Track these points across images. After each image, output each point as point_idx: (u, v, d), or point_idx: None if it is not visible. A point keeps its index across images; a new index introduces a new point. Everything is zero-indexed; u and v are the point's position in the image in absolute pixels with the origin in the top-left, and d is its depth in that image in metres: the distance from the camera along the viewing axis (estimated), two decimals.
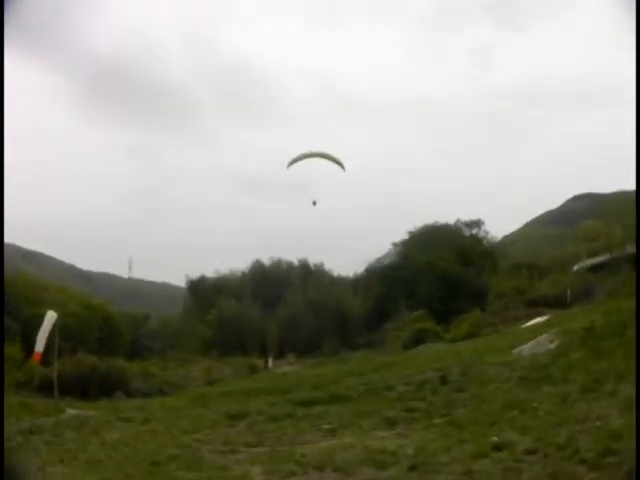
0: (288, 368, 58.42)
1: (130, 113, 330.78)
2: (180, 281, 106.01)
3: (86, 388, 38.02)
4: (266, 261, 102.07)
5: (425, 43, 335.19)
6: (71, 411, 27.45)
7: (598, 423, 12.71)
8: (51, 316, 31.05)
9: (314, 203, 32.04)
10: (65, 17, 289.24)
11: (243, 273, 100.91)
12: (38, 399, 32.15)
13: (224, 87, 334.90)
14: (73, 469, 14.57)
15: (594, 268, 61.27)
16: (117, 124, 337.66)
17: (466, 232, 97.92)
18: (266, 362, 63.94)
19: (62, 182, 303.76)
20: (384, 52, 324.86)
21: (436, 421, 17.02)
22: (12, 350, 42.46)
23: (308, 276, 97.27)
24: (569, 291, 57.18)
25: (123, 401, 36.55)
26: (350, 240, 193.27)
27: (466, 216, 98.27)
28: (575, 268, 67.80)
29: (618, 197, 75.04)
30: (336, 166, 31.40)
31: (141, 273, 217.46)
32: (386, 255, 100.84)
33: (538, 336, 30.38)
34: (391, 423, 17.71)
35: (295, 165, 30.72)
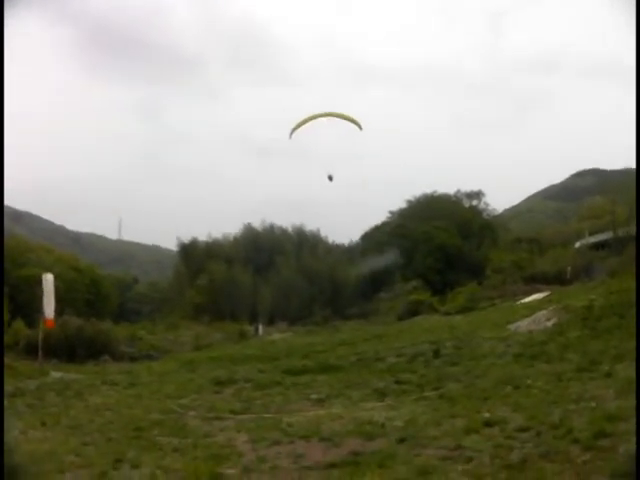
0: (278, 336, 58.45)
1: (136, 72, 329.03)
2: (171, 244, 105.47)
3: (72, 351, 38.04)
4: (258, 226, 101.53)
5: (440, 9, 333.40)
6: (55, 374, 27.56)
7: (593, 404, 12.72)
8: (50, 279, 31.03)
9: (330, 178, 30.34)
10: None
11: (235, 238, 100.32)
12: (23, 362, 32.19)
13: (232, 48, 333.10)
14: (55, 433, 14.59)
15: (596, 246, 61.50)
16: (121, 83, 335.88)
17: (466, 203, 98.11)
18: (256, 329, 63.95)
19: (57, 141, 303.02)
20: (398, 16, 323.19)
21: (427, 394, 17.05)
22: None
23: (303, 243, 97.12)
24: (569, 268, 57.31)
25: (109, 365, 36.63)
26: (351, 209, 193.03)
27: (469, 187, 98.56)
28: (577, 245, 68.03)
29: (625, 174, 74.82)
30: (344, 129, 29.67)
31: (131, 235, 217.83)
32: (383, 224, 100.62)
33: (536, 313, 30.57)
34: (381, 395, 17.72)
35: (303, 128, 29.15)
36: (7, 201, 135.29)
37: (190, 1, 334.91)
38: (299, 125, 27.83)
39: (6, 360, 31.40)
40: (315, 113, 28.19)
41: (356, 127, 28.63)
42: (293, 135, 28.19)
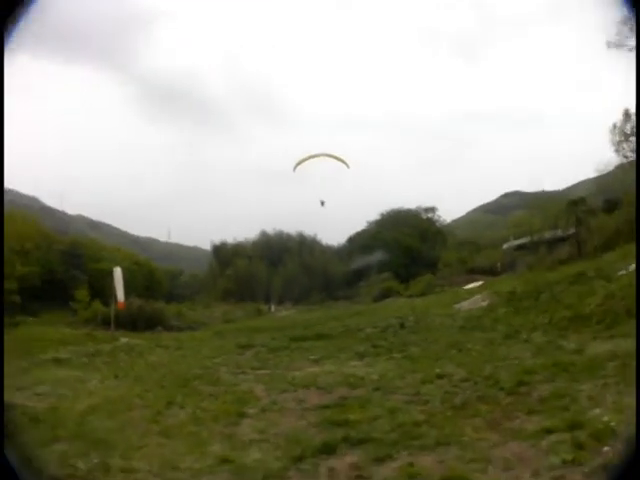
0: (286, 313, 58.51)
1: (180, 118, 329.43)
2: (207, 246, 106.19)
3: (135, 323, 37.99)
4: (271, 232, 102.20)
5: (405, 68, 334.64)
6: (123, 340, 27.53)
7: (515, 362, 12.89)
8: (119, 271, 31.02)
9: (322, 203, 30.41)
10: (130, 44, 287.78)
11: (254, 241, 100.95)
12: (100, 331, 32.20)
13: (250, 99, 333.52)
14: (124, 382, 14.75)
15: (518, 247, 61.59)
16: (169, 126, 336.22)
17: (424, 216, 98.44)
18: (269, 308, 64.07)
19: (122, 170, 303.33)
20: (374, 76, 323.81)
21: (395, 355, 17.12)
22: (81, 294, 43.14)
23: (304, 245, 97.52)
24: (499, 264, 57.80)
25: (162, 333, 36.58)
26: (339, 220, 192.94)
27: (426, 204, 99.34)
28: (504, 247, 68.13)
29: (540, 195, 75.19)
30: (337, 164, 29.45)
31: (177, 238, 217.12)
32: (363, 230, 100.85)
33: (474, 296, 30.62)
34: (361, 356, 17.78)
35: (304, 163, 28.94)
36: (86, 213, 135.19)
37: (220, 64, 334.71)
38: (301, 162, 27.73)
39: (87, 330, 31.64)
40: (313, 153, 28.13)
41: (344, 165, 28.66)
42: (296, 168, 28.17)
